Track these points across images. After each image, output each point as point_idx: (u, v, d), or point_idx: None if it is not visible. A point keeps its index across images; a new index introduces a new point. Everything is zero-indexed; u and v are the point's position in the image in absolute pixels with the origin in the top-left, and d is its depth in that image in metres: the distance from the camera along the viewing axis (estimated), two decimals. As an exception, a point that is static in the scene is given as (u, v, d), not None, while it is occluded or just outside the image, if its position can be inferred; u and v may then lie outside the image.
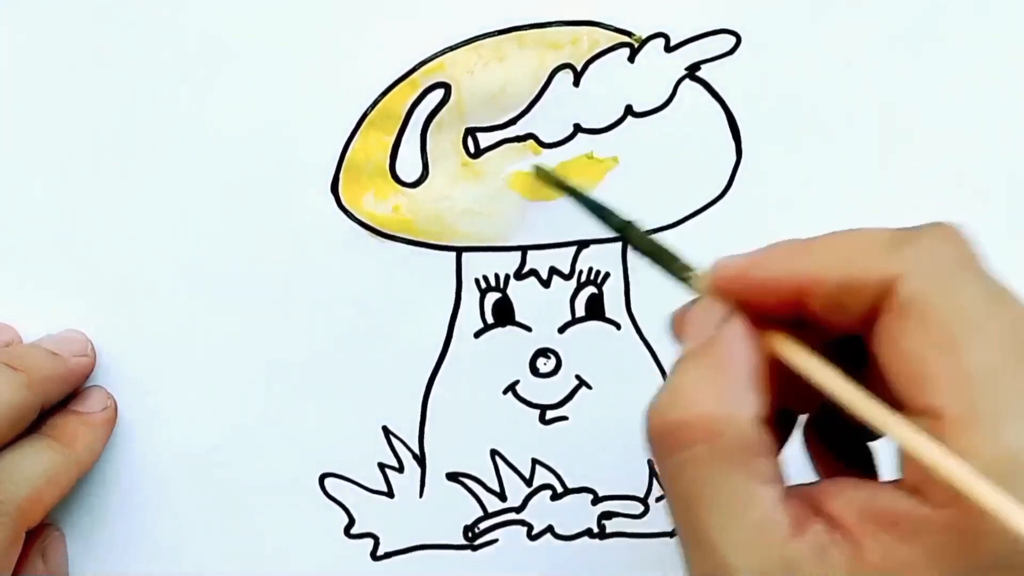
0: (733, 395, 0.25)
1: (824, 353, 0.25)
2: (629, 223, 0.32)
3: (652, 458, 0.26)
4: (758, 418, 0.25)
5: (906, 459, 0.24)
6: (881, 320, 0.24)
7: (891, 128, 0.37)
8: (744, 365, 0.25)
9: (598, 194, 0.35)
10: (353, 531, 0.39)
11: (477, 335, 0.38)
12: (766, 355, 0.26)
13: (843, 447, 0.30)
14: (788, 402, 0.28)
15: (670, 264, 0.29)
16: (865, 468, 0.29)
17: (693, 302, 0.28)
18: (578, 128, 0.36)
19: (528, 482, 0.39)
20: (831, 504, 0.24)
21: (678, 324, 0.28)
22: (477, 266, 0.38)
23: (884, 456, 0.29)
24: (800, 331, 0.26)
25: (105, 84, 0.35)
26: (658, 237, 0.30)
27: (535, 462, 0.39)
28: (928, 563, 0.22)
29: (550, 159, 0.37)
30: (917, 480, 0.23)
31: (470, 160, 0.37)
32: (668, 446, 0.25)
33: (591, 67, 0.36)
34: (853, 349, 0.26)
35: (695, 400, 0.25)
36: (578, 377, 0.39)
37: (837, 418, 0.26)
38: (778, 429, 0.26)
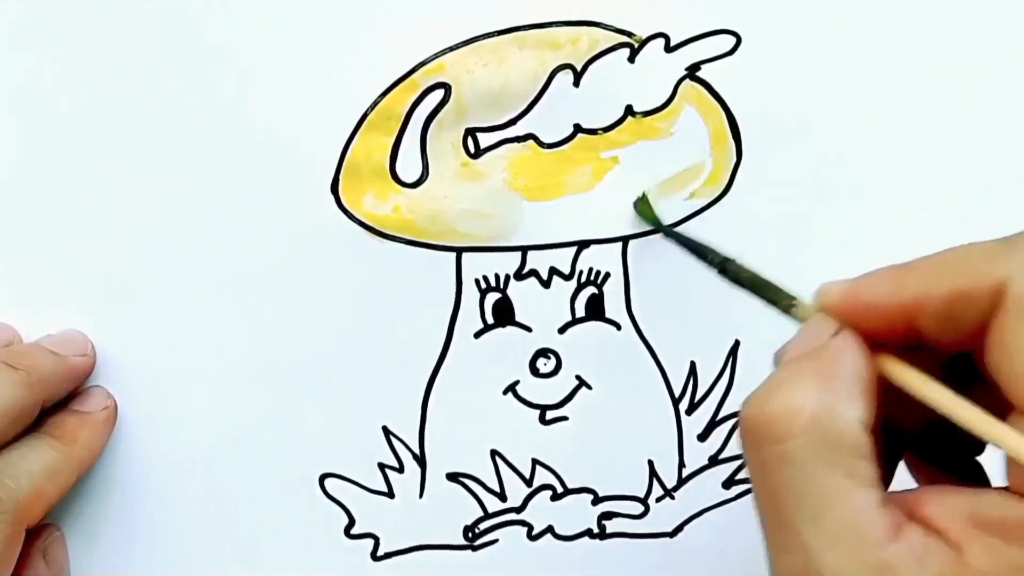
0: (838, 394, 0.24)
1: (934, 376, 0.25)
2: (728, 259, 0.32)
3: (744, 450, 0.25)
4: (862, 422, 0.24)
5: (1013, 465, 0.23)
6: (993, 324, 0.24)
7: (891, 128, 0.37)
8: (852, 371, 0.25)
9: (688, 231, 0.35)
10: (353, 531, 0.39)
11: (477, 335, 0.38)
12: (875, 372, 0.25)
13: (950, 462, 0.29)
14: (893, 417, 0.28)
15: (775, 297, 0.29)
16: (973, 481, 0.29)
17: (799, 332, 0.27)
18: (578, 128, 0.36)
19: (528, 482, 0.39)
20: (928, 509, 0.24)
21: (782, 355, 0.27)
22: (477, 266, 0.38)
23: (992, 472, 0.28)
24: (909, 355, 0.25)
25: (106, 85, 0.36)
26: (760, 271, 0.30)
27: (535, 462, 0.39)
28: None
29: (551, 154, 0.37)
30: None
31: (470, 160, 0.37)
32: (765, 437, 0.24)
33: (591, 67, 0.36)
34: (962, 371, 0.26)
35: (798, 394, 0.24)
36: (578, 377, 0.39)
37: (943, 435, 0.26)
38: (885, 449, 0.26)
